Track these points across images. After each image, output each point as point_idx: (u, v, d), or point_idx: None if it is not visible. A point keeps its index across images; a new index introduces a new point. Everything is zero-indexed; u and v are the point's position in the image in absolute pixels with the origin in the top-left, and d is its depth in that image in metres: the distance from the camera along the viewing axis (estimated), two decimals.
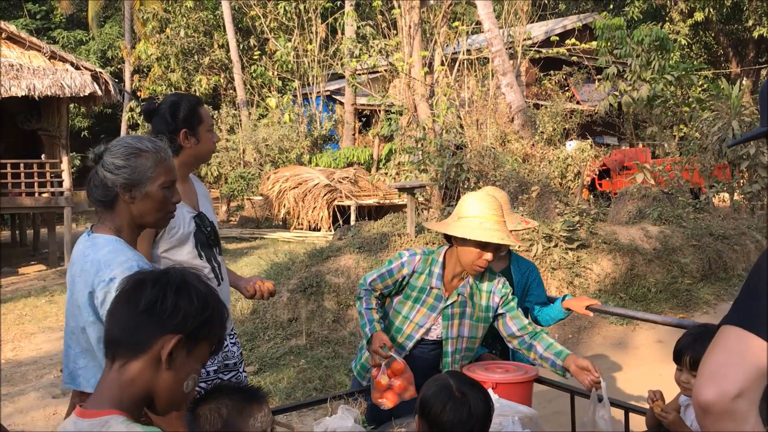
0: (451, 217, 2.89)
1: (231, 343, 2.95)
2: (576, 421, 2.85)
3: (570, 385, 2.85)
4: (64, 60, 11.96)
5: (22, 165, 12.01)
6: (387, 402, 2.70)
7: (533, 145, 12.88)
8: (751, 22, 22.31)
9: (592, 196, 13.57)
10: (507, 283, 2.95)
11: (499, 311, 2.89)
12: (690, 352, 2.26)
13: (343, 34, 17.97)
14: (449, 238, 2.89)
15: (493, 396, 2.45)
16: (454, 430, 1.80)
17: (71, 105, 13.76)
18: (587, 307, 3.11)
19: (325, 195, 14.25)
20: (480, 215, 2.76)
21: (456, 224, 2.81)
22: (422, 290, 2.87)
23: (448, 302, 2.85)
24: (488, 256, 2.74)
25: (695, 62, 24.24)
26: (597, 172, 14.58)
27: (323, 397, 2.86)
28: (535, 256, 7.32)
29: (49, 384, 5.81)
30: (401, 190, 9.08)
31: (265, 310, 6.54)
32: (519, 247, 7.34)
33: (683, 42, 20.61)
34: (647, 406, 2.49)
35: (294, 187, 14.74)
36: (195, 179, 2.90)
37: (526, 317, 3.40)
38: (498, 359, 3.16)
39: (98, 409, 1.38)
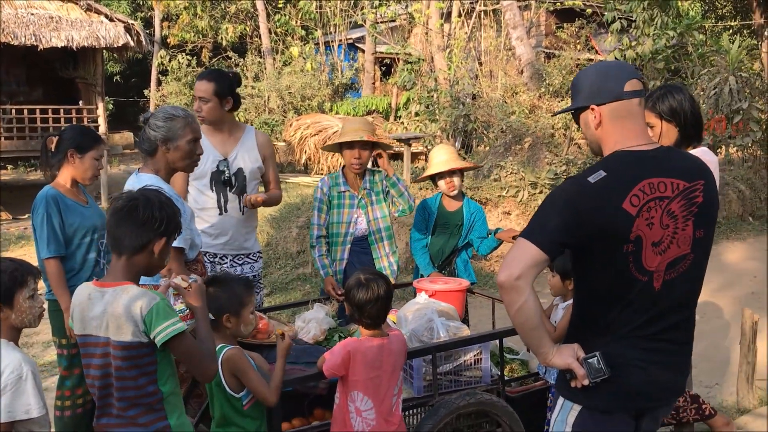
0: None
1: (252, 260, 3.90)
2: (495, 318, 3.75)
3: (492, 295, 3.73)
4: (98, 12, 12.78)
5: (62, 111, 12.98)
6: None
7: (540, 97, 13.46)
8: None
9: None
10: (380, 172, 4.06)
11: (385, 189, 4.03)
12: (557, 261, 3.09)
13: None
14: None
15: (424, 297, 3.35)
16: (364, 306, 2.65)
17: (105, 53, 14.62)
18: (513, 237, 3.94)
19: None
20: (346, 130, 3.90)
21: (333, 141, 3.92)
22: (338, 197, 3.97)
23: (360, 196, 3.98)
24: (355, 153, 3.86)
25: (720, 12, 24.07)
26: None
27: (306, 299, 3.80)
28: (520, 201, 8.12)
29: None
30: (398, 140, 9.83)
31: (276, 243, 7.48)
32: (507, 192, 8.13)
33: None
34: None
35: (315, 134, 15.48)
36: (249, 133, 3.82)
37: (469, 249, 4.30)
38: (444, 277, 4.04)
39: (115, 281, 2.24)
